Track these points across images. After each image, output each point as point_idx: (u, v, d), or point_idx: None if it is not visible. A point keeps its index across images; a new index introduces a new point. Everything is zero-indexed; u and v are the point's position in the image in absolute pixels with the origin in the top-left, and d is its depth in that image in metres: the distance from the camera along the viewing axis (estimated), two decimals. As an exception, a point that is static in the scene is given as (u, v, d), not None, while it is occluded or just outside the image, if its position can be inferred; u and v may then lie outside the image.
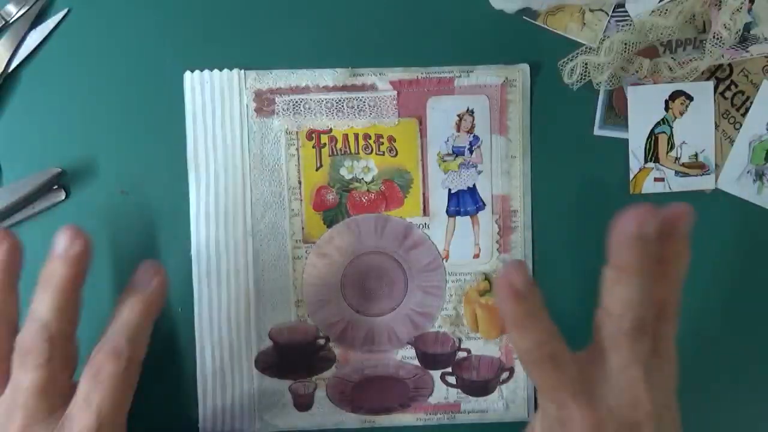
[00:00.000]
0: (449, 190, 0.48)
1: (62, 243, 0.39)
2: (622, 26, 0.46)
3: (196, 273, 0.47)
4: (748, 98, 0.48)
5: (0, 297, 0.39)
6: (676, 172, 0.48)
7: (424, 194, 0.48)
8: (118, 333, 0.39)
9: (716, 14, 0.45)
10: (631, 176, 0.48)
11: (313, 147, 0.48)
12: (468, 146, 0.48)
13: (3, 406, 0.38)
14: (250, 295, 0.48)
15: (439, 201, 0.48)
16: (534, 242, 0.48)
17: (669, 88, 0.48)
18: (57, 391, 0.38)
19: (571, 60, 0.47)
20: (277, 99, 0.47)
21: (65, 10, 0.47)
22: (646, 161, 0.48)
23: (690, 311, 0.49)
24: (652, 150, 0.48)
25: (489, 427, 0.49)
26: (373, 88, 0.47)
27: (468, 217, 0.48)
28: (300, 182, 0.48)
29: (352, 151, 0.48)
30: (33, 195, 0.46)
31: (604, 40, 0.47)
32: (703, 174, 0.48)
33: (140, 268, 0.42)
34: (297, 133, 0.47)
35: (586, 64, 0.46)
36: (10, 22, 0.47)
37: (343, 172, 0.48)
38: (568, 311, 0.49)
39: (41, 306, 0.38)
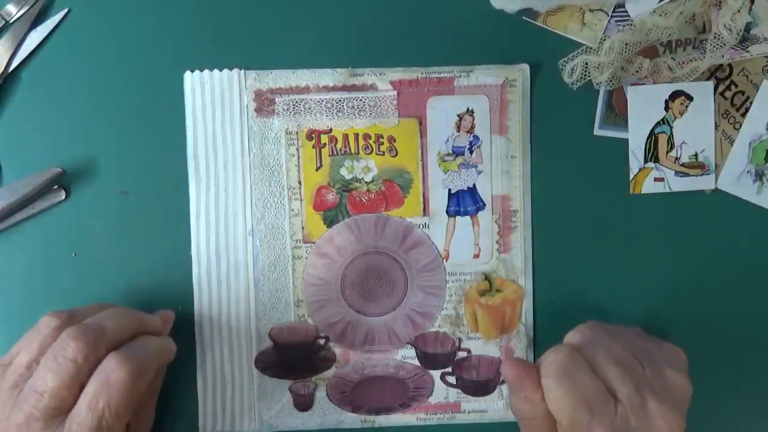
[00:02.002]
0: (449, 190, 0.48)
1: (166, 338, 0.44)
2: (622, 26, 0.46)
3: (196, 273, 0.47)
4: (748, 98, 0.48)
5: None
6: (676, 172, 0.48)
7: (424, 194, 0.48)
8: (135, 349, 0.40)
9: (716, 14, 0.45)
10: (631, 176, 0.48)
11: (313, 147, 0.48)
12: (468, 146, 0.48)
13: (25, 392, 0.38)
14: (250, 295, 0.48)
15: (439, 201, 0.48)
16: (534, 242, 0.48)
17: (669, 88, 0.48)
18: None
19: (571, 60, 0.47)
20: (277, 99, 0.47)
21: (65, 10, 0.47)
22: (646, 161, 0.48)
23: (690, 311, 0.49)
24: (652, 150, 0.48)
25: (489, 427, 0.49)
26: (373, 88, 0.47)
27: (468, 217, 0.48)
28: (300, 182, 0.48)
29: (352, 151, 0.48)
30: (33, 195, 0.46)
31: (604, 40, 0.47)
32: (703, 174, 0.48)
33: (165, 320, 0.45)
34: (297, 133, 0.47)
35: (586, 64, 0.46)
36: (10, 22, 0.47)
37: (343, 172, 0.48)
38: (567, 311, 0.49)
39: (108, 318, 0.40)
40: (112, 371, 0.37)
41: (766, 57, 0.47)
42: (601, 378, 0.38)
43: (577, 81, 0.46)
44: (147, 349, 0.40)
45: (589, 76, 0.46)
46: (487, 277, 0.48)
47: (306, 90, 0.47)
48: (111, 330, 0.39)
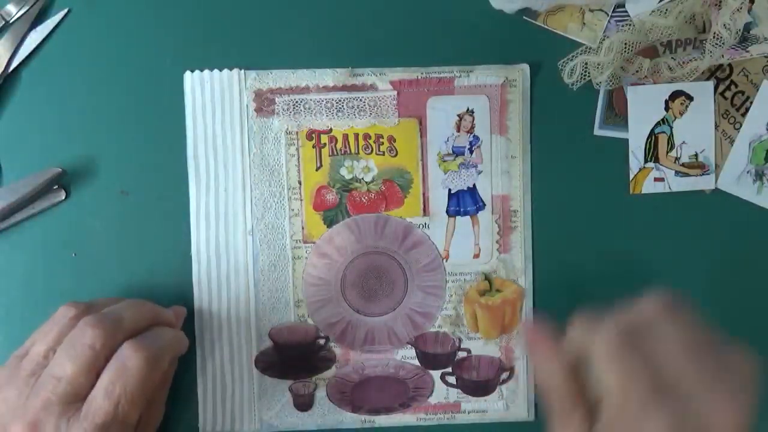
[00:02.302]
0: (449, 190, 0.48)
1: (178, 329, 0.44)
2: (622, 26, 0.46)
3: (196, 273, 0.47)
4: (748, 98, 0.48)
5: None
6: (676, 172, 0.48)
7: (424, 194, 0.48)
8: (151, 338, 0.40)
9: (716, 14, 0.45)
10: (631, 176, 0.48)
11: (313, 147, 0.48)
12: (468, 146, 0.48)
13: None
14: (250, 295, 0.48)
15: (439, 201, 0.48)
16: (534, 242, 0.48)
17: (669, 88, 0.48)
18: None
19: (571, 60, 0.47)
20: (277, 99, 0.47)
21: (65, 10, 0.47)
22: (646, 161, 0.48)
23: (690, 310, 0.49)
24: (652, 150, 0.48)
25: (489, 427, 0.49)
26: (373, 88, 0.47)
27: (468, 217, 0.48)
28: (300, 182, 0.48)
29: (352, 151, 0.48)
30: (33, 195, 0.46)
31: (604, 40, 0.47)
32: (703, 174, 0.48)
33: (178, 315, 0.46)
34: (297, 133, 0.47)
35: (586, 64, 0.46)
36: (10, 22, 0.47)
37: (343, 172, 0.48)
38: (567, 311, 0.49)
39: (125, 309, 0.41)
40: (128, 358, 0.38)
41: (766, 57, 0.47)
42: (657, 364, 0.36)
43: (577, 81, 0.46)
44: (162, 339, 0.41)
45: (589, 76, 0.46)
46: (487, 277, 0.48)
47: (306, 90, 0.47)
48: (128, 319, 0.40)
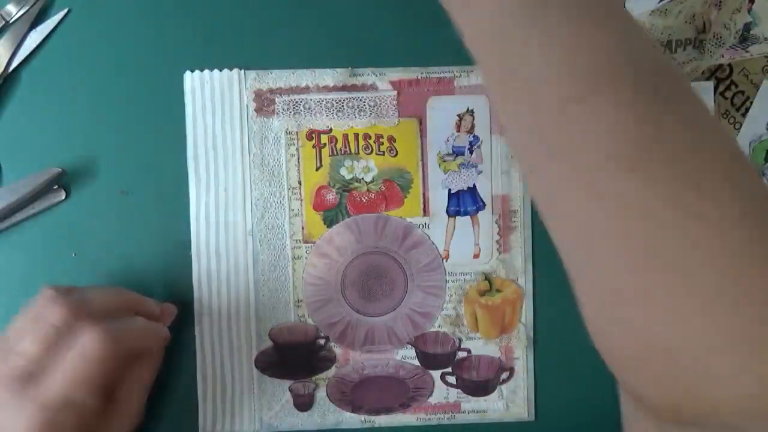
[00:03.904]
0: (449, 190, 0.48)
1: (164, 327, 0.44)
2: (622, 26, 0.46)
3: (196, 273, 0.47)
4: (748, 98, 0.48)
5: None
6: (676, 172, 0.48)
7: (424, 194, 0.48)
8: (118, 322, 0.40)
9: (716, 14, 0.45)
10: (631, 176, 0.48)
11: (313, 147, 0.48)
12: (468, 146, 0.48)
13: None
14: (250, 295, 0.48)
15: (439, 201, 0.48)
16: (534, 242, 0.48)
17: (669, 88, 0.48)
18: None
19: (571, 60, 0.47)
20: (277, 99, 0.47)
21: (65, 10, 0.47)
22: (646, 161, 0.48)
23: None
24: (652, 150, 0.48)
25: (489, 427, 0.49)
26: (373, 88, 0.47)
27: (468, 217, 0.48)
28: (300, 182, 0.48)
29: (352, 151, 0.48)
30: (33, 195, 0.46)
31: (604, 40, 0.47)
32: (703, 174, 0.48)
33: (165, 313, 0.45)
34: (297, 133, 0.47)
35: (586, 64, 0.46)
36: (10, 22, 0.47)
37: (343, 172, 0.48)
38: (567, 311, 0.49)
39: (97, 293, 0.41)
40: (88, 340, 0.38)
41: (766, 57, 0.47)
42: None
43: (577, 81, 0.46)
44: (130, 326, 0.41)
45: (589, 76, 0.46)
46: (487, 277, 0.48)
47: (306, 90, 0.47)
48: (97, 302, 0.40)
